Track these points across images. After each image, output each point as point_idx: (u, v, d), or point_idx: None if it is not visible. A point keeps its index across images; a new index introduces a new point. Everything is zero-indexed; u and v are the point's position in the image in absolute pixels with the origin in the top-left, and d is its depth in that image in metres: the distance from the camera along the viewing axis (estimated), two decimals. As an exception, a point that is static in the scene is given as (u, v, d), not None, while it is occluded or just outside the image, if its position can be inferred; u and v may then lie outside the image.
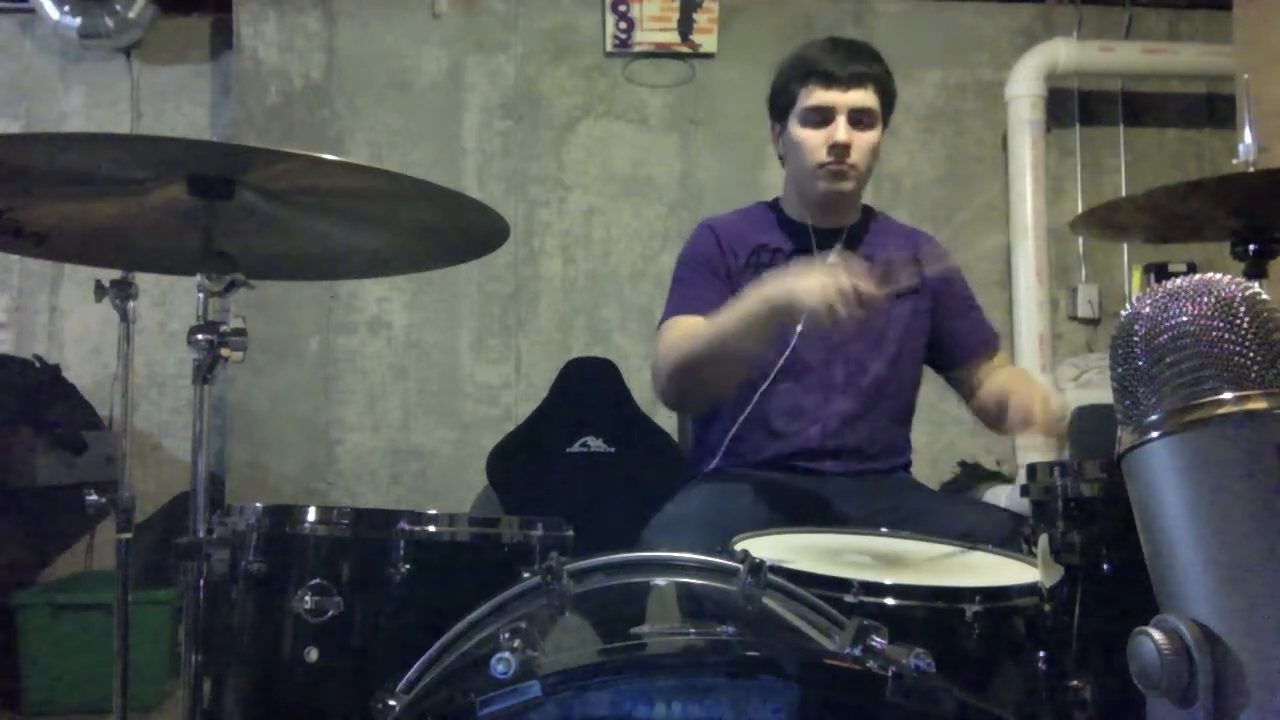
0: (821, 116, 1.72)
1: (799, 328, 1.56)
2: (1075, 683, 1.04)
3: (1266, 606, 0.65)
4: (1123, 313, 0.74)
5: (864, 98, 1.71)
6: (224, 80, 3.72)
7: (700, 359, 1.60)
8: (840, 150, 1.70)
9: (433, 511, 1.16)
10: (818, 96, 1.71)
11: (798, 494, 1.68)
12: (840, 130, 1.70)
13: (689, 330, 1.66)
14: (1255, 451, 0.67)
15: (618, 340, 3.57)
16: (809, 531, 1.44)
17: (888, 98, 1.76)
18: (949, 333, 1.85)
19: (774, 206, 1.89)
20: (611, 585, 1.00)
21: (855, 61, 1.72)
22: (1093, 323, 3.78)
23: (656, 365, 1.71)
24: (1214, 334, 0.69)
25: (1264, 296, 0.70)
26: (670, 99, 3.65)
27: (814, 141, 1.72)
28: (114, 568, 1.52)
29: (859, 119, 1.72)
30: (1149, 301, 0.72)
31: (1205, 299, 0.70)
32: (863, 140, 1.72)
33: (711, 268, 1.78)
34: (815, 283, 1.39)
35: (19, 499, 2.91)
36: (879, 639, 0.75)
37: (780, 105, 1.78)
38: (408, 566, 1.12)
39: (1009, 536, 1.47)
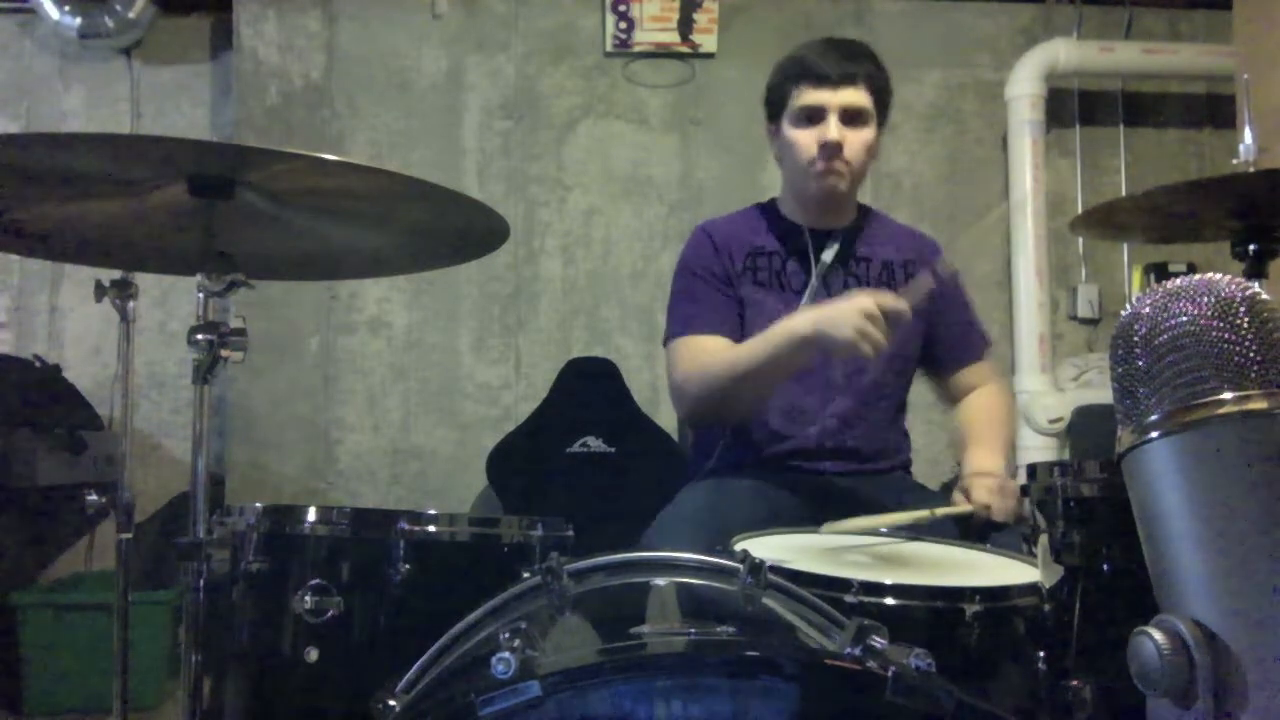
0: (812, 116, 1.72)
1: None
2: (1075, 683, 1.04)
3: (1266, 607, 0.65)
4: (1123, 313, 0.74)
5: (855, 96, 1.71)
6: (224, 80, 3.72)
7: (728, 388, 1.64)
8: (831, 149, 1.70)
9: (433, 511, 1.16)
10: (808, 96, 1.71)
11: (798, 494, 1.69)
12: (831, 129, 1.70)
13: (712, 356, 1.68)
14: (1255, 451, 0.67)
15: (618, 340, 3.57)
16: (809, 531, 1.44)
17: (882, 96, 1.75)
18: (938, 337, 1.85)
19: (770, 208, 1.89)
20: (611, 585, 1.00)
21: (846, 60, 1.72)
22: (1093, 323, 3.78)
23: (679, 388, 1.73)
24: (1214, 334, 0.69)
25: (1264, 296, 0.70)
26: (670, 99, 3.65)
27: (806, 141, 1.73)
28: (114, 568, 1.52)
29: (851, 117, 1.71)
30: (1149, 301, 0.72)
31: (1205, 299, 0.70)
32: (855, 139, 1.72)
33: (712, 274, 1.78)
34: (845, 319, 1.43)
35: (19, 499, 2.90)
36: (879, 639, 0.75)
37: (774, 106, 1.79)
38: (408, 566, 1.12)
39: (1010, 537, 1.47)
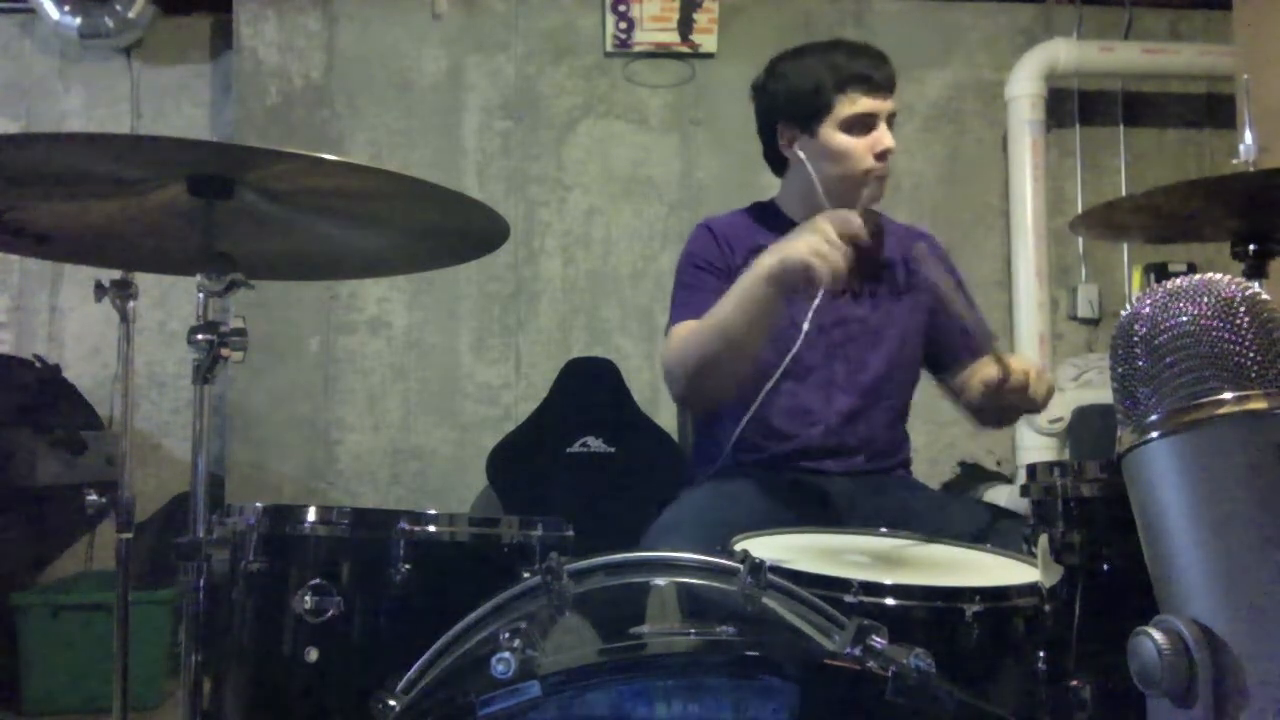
0: (866, 123, 1.71)
1: (811, 310, 1.61)
2: (1075, 683, 1.04)
3: (1266, 606, 0.65)
4: (1123, 313, 0.74)
5: (894, 103, 1.74)
6: (224, 80, 3.72)
7: (710, 353, 1.60)
8: (886, 155, 1.72)
9: (433, 511, 1.16)
10: (863, 103, 1.70)
11: (798, 494, 1.69)
12: (887, 136, 1.71)
13: (695, 329, 1.67)
14: (1255, 451, 0.67)
15: (618, 340, 3.57)
16: (809, 531, 1.44)
17: None
18: (945, 332, 1.85)
19: (770, 208, 1.89)
20: (611, 585, 1.00)
21: (887, 66, 1.74)
22: (1093, 323, 3.78)
23: (670, 369, 1.72)
24: (1214, 334, 0.69)
25: (1264, 296, 0.70)
26: (670, 99, 3.65)
27: (860, 148, 1.71)
28: (114, 568, 1.52)
29: (890, 122, 1.74)
30: (1149, 301, 0.72)
31: (1205, 299, 0.70)
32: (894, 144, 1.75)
33: (714, 268, 1.79)
34: (801, 241, 1.43)
35: (19, 499, 2.91)
36: (879, 639, 0.75)
37: (809, 111, 1.74)
38: (408, 566, 1.12)
39: (1010, 537, 1.47)
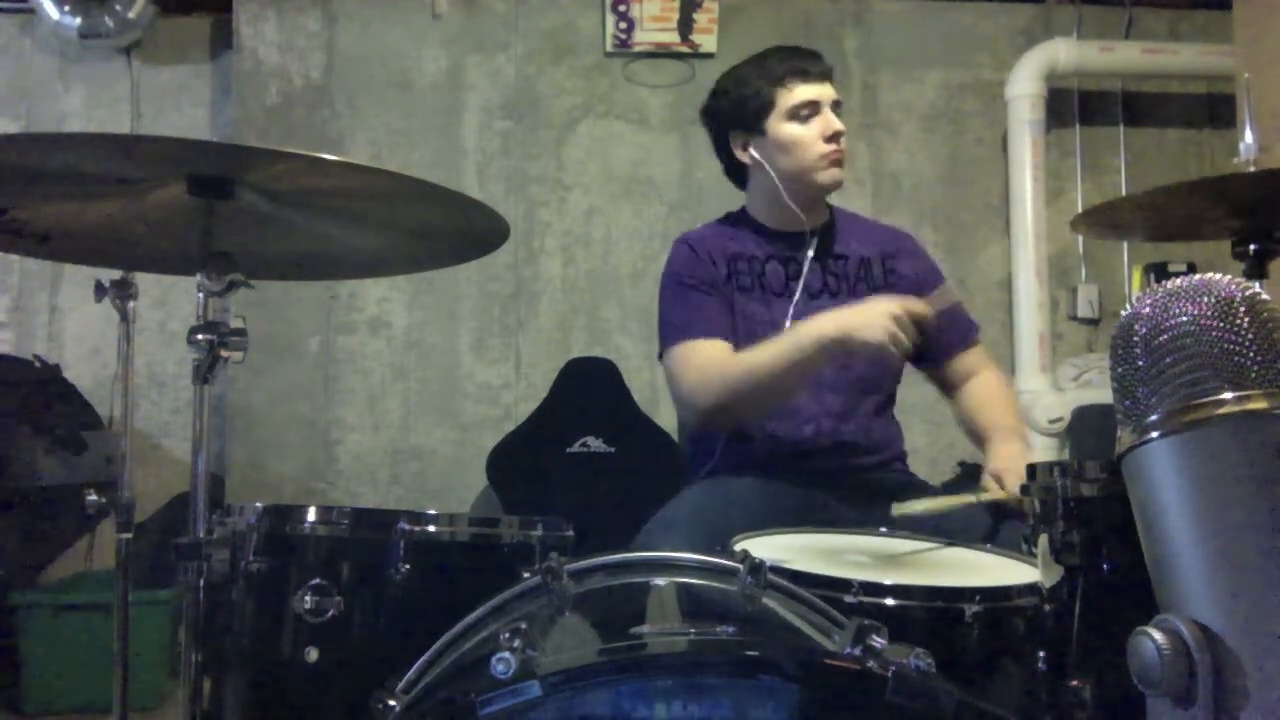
0: (810, 110, 1.75)
1: (791, 310, 1.68)
2: (1075, 683, 1.04)
3: (1266, 606, 0.65)
4: (1123, 313, 0.74)
5: (835, 90, 1.78)
6: (224, 80, 3.72)
7: (747, 395, 1.64)
8: (838, 137, 1.75)
9: (433, 511, 1.16)
10: (802, 91, 1.75)
11: (796, 492, 1.69)
12: (834, 119, 1.75)
13: (722, 362, 1.68)
14: (1255, 451, 0.67)
15: (618, 340, 3.57)
16: (809, 531, 1.44)
17: None
18: (929, 327, 1.85)
19: (741, 215, 1.90)
20: (611, 585, 1.00)
21: (820, 59, 1.79)
22: (1093, 323, 3.78)
23: (688, 397, 1.72)
24: (1214, 334, 0.69)
25: (1264, 296, 0.70)
26: (670, 99, 3.65)
27: (810, 135, 1.75)
28: (114, 568, 1.52)
29: (836, 110, 1.77)
30: (1149, 301, 0.72)
31: (1205, 299, 0.70)
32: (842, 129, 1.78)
33: (701, 280, 1.79)
34: (875, 321, 1.48)
35: (19, 499, 2.91)
36: (879, 639, 0.75)
37: (751, 112, 1.78)
38: (408, 566, 1.12)
39: (1008, 535, 1.47)
